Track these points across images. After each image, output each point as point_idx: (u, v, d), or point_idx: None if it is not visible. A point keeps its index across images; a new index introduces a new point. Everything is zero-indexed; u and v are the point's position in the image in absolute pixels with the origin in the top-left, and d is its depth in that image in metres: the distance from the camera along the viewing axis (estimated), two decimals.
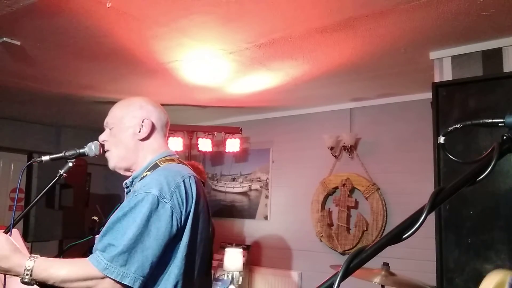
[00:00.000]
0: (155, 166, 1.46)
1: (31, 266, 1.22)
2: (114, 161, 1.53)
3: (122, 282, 1.22)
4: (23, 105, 4.78)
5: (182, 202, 1.35)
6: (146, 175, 1.43)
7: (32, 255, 1.27)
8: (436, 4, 2.24)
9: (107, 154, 1.54)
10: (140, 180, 1.45)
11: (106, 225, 1.32)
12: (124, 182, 1.54)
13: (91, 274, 1.23)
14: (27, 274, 1.22)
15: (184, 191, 1.36)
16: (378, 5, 2.27)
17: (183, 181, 1.38)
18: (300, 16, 2.42)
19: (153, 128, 1.53)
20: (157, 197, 1.30)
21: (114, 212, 1.37)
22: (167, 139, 1.63)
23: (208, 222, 1.50)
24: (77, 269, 1.25)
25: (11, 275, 1.26)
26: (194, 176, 1.45)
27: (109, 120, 1.55)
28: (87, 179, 5.21)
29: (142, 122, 1.51)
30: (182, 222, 1.35)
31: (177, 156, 1.58)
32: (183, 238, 1.35)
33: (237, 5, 2.29)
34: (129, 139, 1.51)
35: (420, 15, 2.37)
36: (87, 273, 1.23)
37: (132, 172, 1.54)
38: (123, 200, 1.55)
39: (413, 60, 3.06)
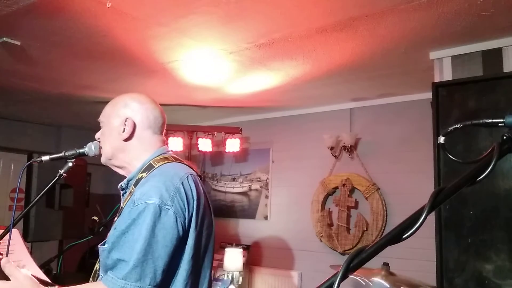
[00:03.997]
0: (149, 167, 1.42)
1: None
2: (104, 157, 1.54)
3: None
4: (23, 105, 4.78)
5: (184, 205, 1.33)
6: (142, 176, 1.40)
7: (50, 286, 1.27)
8: (436, 4, 2.24)
9: (101, 151, 1.56)
10: (135, 182, 1.42)
11: (111, 239, 1.31)
12: (120, 185, 1.52)
13: None
14: None
15: (184, 194, 1.34)
16: (378, 5, 2.27)
17: (182, 183, 1.35)
18: (300, 16, 2.42)
19: (134, 128, 1.48)
20: (159, 205, 1.27)
21: (113, 213, 1.38)
22: (164, 137, 1.59)
23: (211, 218, 1.49)
24: None
25: None
26: (191, 175, 1.42)
27: (100, 118, 1.56)
28: (87, 179, 5.21)
29: (125, 121, 1.48)
30: (186, 225, 1.33)
31: (171, 153, 1.54)
32: (188, 240, 1.35)
33: (237, 5, 2.29)
34: (114, 138, 1.50)
35: (420, 15, 2.37)
36: None
37: (124, 170, 1.53)
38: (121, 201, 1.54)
39: (413, 60, 3.06)
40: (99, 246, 1.39)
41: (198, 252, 1.38)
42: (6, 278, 1.26)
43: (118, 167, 1.54)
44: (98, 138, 1.57)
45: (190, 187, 1.38)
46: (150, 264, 1.24)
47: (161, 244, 1.26)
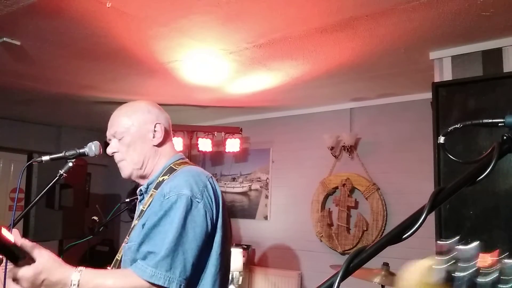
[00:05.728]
0: (171, 170, 1.43)
1: (78, 279, 1.22)
2: (130, 169, 1.48)
3: None
4: (23, 105, 4.78)
5: (212, 201, 1.36)
6: (163, 179, 1.41)
7: (78, 267, 1.26)
8: (436, 4, 2.24)
9: (121, 164, 1.49)
10: (156, 185, 1.43)
11: (140, 234, 1.31)
12: (139, 189, 1.52)
13: (137, 285, 1.22)
14: (74, 285, 1.22)
15: (212, 190, 1.38)
16: (378, 5, 2.27)
17: (208, 180, 1.39)
18: (300, 16, 2.42)
19: (166, 132, 1.50)
20: (190, 198, 1.30)
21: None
22: None
23: (229, 221, 1.51)
24: (123, 280, 1.25)
25: None
26: (212, 176, 1.46)
27: (117, 130, 1.47)
28: (87, 179, 5.21)
29: (155, 127, 1.48)
30: (214, 221, 1.36)
31: (187, 159, 1.57)
32: (216, 236, 1.36)
33: (237, 5, 2.29)
34: (144, 146, 1.47)
35: (420, 15, 2.37)
36: (133, 284, 1.23)
37: (146, 179, 1.51)
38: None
39: (413, 60, 3.06)
40: (123, 245, 1.39)
41: (224, 250, 1.39)
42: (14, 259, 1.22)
43: (144, 176, 1.50)
44: (113, 152, 1.50)
45: (214, 185, 1.41)
46: (180, 256, 1.24)
47: (191, 237, 1.27)
